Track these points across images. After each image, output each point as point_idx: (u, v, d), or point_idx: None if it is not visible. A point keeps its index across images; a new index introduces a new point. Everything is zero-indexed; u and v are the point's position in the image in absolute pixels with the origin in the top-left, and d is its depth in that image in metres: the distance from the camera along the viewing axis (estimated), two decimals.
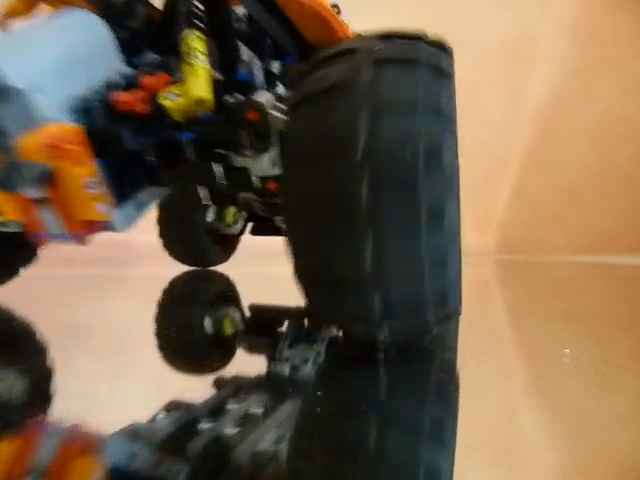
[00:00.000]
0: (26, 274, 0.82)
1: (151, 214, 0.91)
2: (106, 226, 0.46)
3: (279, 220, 0.58)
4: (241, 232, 0.97)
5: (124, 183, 0.46)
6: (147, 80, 0.47)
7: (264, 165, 0.47)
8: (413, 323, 0.41)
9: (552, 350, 0.53)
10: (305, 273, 0.43)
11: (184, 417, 0.37)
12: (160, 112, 0.44)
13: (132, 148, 0.45)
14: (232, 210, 0.92)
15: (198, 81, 0.44)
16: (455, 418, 0.37)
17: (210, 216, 0.91)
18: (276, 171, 0.48)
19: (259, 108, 0.45)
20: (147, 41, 0.57)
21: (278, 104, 0.48)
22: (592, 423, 0.39)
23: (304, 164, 0.39)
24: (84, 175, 0.40)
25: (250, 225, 0.93)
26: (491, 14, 1.25)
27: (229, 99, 0.48)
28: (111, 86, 0.48)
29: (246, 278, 0.96)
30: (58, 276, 1.07)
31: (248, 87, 0.51)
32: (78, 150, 0.40)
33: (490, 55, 1.26)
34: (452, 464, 0.31)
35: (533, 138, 1.28)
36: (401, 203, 0.36)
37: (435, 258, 0.37)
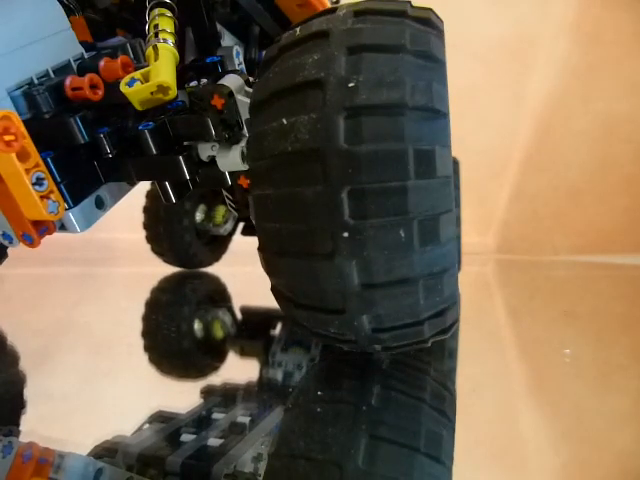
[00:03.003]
0: (7, 274, 0.81)
1: (137, 213, 0.91)
2: (61, 225, 0.41)
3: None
4: (232, 232, 0.95)
5: (80, 179, 0.41)
6: (105, 64, 0.42)
7: (234, 158, 0.41)
8: (407, 338, 0.37)
9: (552, 350, 0.53)
10: (284, 294, 0.38)
11: (167, 429, 0.35)
12: (120, 99, 0.40)
13: (86, 140, 0.40)
14: (222, 210, 0.89)
15: (161, 65, 0.39)
16: (453, 434, 0.34)
17: (199, 216, 0.89)
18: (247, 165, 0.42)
19: (225, 93, 0.39)
20: (121, 22, 0.52)
21: (250, 89, 0.42)
22: (592, 423, 0.38)
23: (271, 178, 0.33)
24: (29, 171, 0.35)
25: (241, 225, 0.91)
26: (491, 14, 1.25)
27: (195, 84, 0.43)
28: (65, 70, 0.43)
29: (237, 279, 0.95)
30: (42, 276, 1.07)
31: (217, 72, 0.45)
32: (20, 142, 0.35)
33: (490, 55, 1.25)
34: None
35: (533, 138, 1.28)
36: (389, 214, 0.31)
37: (430, 273, 0.33)
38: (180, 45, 0.52)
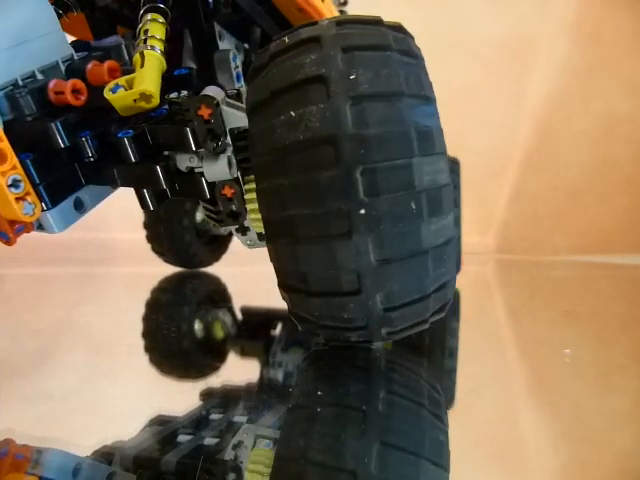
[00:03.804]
0: (7, 274, 0.81)
1: (137, 213, 0.91)
2: (39, 225, 0.42)
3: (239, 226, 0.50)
4: (231, 232, 0.95)
5: (59, 180, 0.41)
6: (92, 68, 0.42)
7: (222, 167, 0.42)
8: (413, 317, 0.39)
9: (552, 350, 0.53)
10: (294, 287, 0.39)
11: (165, 430, 0.36)
12: (104, 103, 0.40)
13: (66, 145, 0.40)
14: None
15: (145, 73, 0.39)
16: (448, 438, 0.35)
17: (199, 216, 0.88)
18: (233, 174, 0.43)
19: (212, 104, 0.40)
20: (121, 19, 0.53)
21: (232, 100, 0.43)
22: (592, 423, 0.38)
23: (283, 168, 0.35)
24: (4, 173, 0.36)
25: None
26: (491, 14, 1.25)
27: (175, 95, 0.43)
28: (52, 72, 0.43)
29: (237, 279, 0.95)
30: (42, 276, 1.07)
31: (192, 83, 0.45)
32: None
33: (490, 55, 1.25)
34: None
35: (533, 138, 1.28)
36: (400, 189, 0.34)
37: (437, 244, 0.36)
38: (178, 47, 0.52)
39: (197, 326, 0.65)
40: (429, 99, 0.37)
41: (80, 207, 0.43)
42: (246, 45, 0.61)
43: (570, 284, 0.97)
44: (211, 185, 0.44)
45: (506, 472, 0.33)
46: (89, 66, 0.42)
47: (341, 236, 0.34)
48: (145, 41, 0.41)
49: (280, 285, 0.41)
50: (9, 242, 0.40)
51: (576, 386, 0.45)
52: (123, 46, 0.49)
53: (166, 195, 0.44)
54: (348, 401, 0.38)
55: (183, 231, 0.87)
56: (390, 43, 0.36)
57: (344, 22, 0.37)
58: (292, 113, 0.35)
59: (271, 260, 0.40)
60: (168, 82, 0.43)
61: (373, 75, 0.34)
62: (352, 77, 0.34)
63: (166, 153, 0.43)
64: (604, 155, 1.24)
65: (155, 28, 0.42)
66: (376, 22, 0.38)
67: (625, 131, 1.23)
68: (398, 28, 0.39)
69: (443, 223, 0.36)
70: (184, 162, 0.43)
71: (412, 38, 0.40)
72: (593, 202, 1.26)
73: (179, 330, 0.63)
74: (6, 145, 0.36)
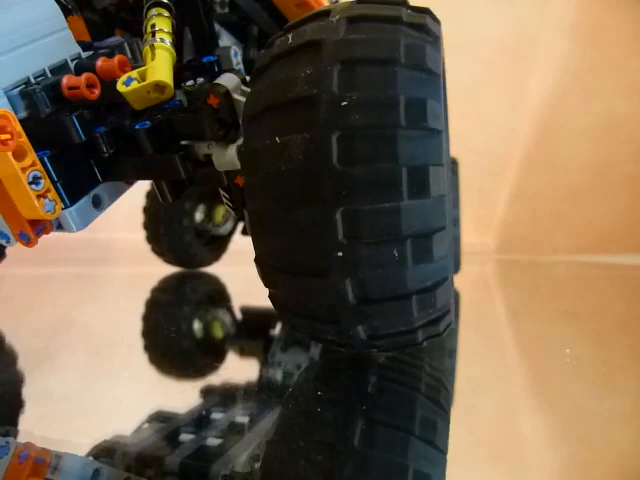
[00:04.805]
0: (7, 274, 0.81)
1: (137, 213, 0.90)
2: (58, 225, 0.41)
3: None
4: (231, 232, 0.95)
5: (77, 178, 0.41)
6: (102, 63, 0.42)
7: (231, 157, 0.41)
8: (401, 343, 0.38)
9: (552, 350, 0.53)
10: (281, 303, 0.38)
11: (166, 429, 0.36)
12: (117, 98, 0.40)
13: (83, 139, 0.40)
14: (222, 210, 0.88)
15: (157, 64, 0.39)
16: (448, 424, 0.35)
17: (199, 216, 0.88)
18: None
19: (221, 93, 0.39)
20: (119, 22, 0.53)
21: (247, 89, 0.41)
22: (592, 423, 0.38)
23: (265, 196, 0.33)
24: (25, 169, 0.35)
25: (241, 225, 0.91)
26: (491, 14, 1.25)
27: (191, 84, 0.42)
28: (62, 70, 0.43)
29: (237, 279, 0.95)
30: (42, 276, 1.06)
31: (213, 71, 0.44)
32: (16, 141, 0.35)
33: (490, 55, 1.25)
34: (444, 470, 0.30)
35: (533, 138, 1.28)
36: (383, 235, 0.31)
37: (423, 289, 0.33)
38: (178, 45, 0.52)
39: (197, 326, 0.65)
40: (432, 131, 0.31)
41: (98, 204, 0.43)
42: (243, 44, 0.61)
43: (570, 284, 0.97)
44: (229, 173, 0.43)
45: (506, 472, 0.33)
46: (99, 62, 0.42)
47: (318, 274, 0.32)
48: (153, 34, 0.41)
49: (269, 297, 0.40)
50: (30, 243, 0.39)
51: (576, 386, 0.45)
52: (126, 44, 0.49)
53: (184, 186, 0.44)
54: (337, 387, 0.39)
55: (183, 231, 0.87)
56: (399, 56, 0.31)
57: (357, 19, 0.33)
58: (277, 139, 0.32)
59: (259, 277, 0.39)
60: (179, 74, 0.43)
61: (369, 101, 0.30)
62: (344, 104, 0.30)
63: (183, 143, 0.42)
64: (604, 155, 1.24)
65: (162, 22, 0.42)
66: (395, 19, 0.33)
67: (625, 131, 1.23)
68: (420, 26, 0.34)
69: (432, 268, 0.33)
70: (202, 150, 0.42)
71: (436, 37, 0.34)
72: (593, 202, 1.26)
73: (179, 330, 0.63)
74: (25, 141, 0.35)
